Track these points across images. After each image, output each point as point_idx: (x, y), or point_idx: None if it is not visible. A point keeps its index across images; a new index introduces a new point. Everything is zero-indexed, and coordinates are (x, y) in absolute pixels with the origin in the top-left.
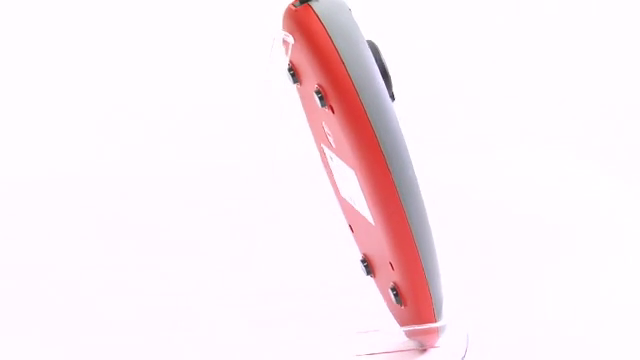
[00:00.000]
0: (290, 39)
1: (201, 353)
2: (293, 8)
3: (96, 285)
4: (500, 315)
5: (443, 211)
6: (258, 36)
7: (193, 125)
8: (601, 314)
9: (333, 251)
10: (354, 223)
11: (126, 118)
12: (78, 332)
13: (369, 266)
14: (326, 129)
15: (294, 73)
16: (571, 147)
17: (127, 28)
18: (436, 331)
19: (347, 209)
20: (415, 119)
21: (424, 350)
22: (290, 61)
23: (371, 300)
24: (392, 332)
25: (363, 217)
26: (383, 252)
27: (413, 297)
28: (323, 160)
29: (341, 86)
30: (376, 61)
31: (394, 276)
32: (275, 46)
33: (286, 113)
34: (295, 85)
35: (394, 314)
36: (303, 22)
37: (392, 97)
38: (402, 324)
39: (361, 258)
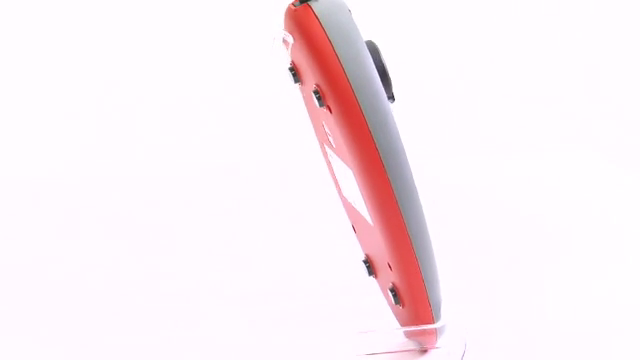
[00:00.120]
0: (290, 39)
1: (201, 353)
2: (293, 8)
3: (96, 285)
4: (500, 315)
5: (442, 211)
6: (258, 36)
7: (193, 125)
8: (601, 314)
9: (333, 251)
10: (356, 223)
11: (126, 118)
12: (78, 332)
13: (371, 267)
14: (326, 129)
15: (295, 73)
16: (571, 147)
17: (127, 28)
18: (434, 332)
19: (349, 209)
20: (415, 120)
21: (424, 351)
22: (291, 61)
23: (371, 300)
24: (392, 332)
25: (363, 217)
26: (382, 253)
27: (410, 298)
28: (326, 159)
29: (338, 86)
30: (376, 62)
31: (392, 277)
32: (276, 46)
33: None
34: (297, 85)
35: (395, 314)
36: (302, 22)
37: (392, 98)
38: (402, 324)
39: (363, 259)
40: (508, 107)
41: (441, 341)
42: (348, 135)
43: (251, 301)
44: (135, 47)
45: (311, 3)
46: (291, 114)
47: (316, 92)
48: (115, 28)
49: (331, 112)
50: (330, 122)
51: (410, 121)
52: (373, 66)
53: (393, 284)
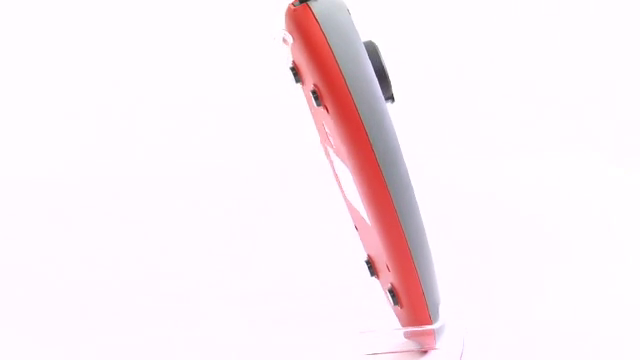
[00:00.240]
0: (290, 38)
1: (201, 353)
2: (292, 7)
3: (96, 285)
4: (499, 316)
5: (441, 212)
6: (259, 36)
7: (193, 125)
8: (601, 314)
9: (334, 251)
10: (358, 223)
11: (126, 118)
12: (78, 332)
13: (372, 267)
14: (326, 128)
15: (296, 73)
16: (571, 147)
17: (128, 28)
18: (432, 333)
19: (351, 209)
20: (414, 120)
21: (424, 351)
22: (293, 61)
23: (372, 300)
24: (392, 333)
25: (362, 217)
26: (381, 253)
27: (408, 299)
28: (328, 159)
29: (334, 86)
30: (375, 62)
31: (390, 277)
32: (278, 46)
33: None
34: (299, 85)
35: (396, 315)
36: (301, 21)
37: (392, 99)
38: (403, 325)
39: (365, 259)
40: (508, 107)
41: (441, 342)
42: (344, 135)
43: (251, 301)
44: (135, 47)
45: (310, 3)
46: (293, 114)
47: (314, 92)
48: (115, 28)
49: (328, 112)
50: (328, 122)
51: (410, 121)
52: (371, 67)
53: (391, 285)
